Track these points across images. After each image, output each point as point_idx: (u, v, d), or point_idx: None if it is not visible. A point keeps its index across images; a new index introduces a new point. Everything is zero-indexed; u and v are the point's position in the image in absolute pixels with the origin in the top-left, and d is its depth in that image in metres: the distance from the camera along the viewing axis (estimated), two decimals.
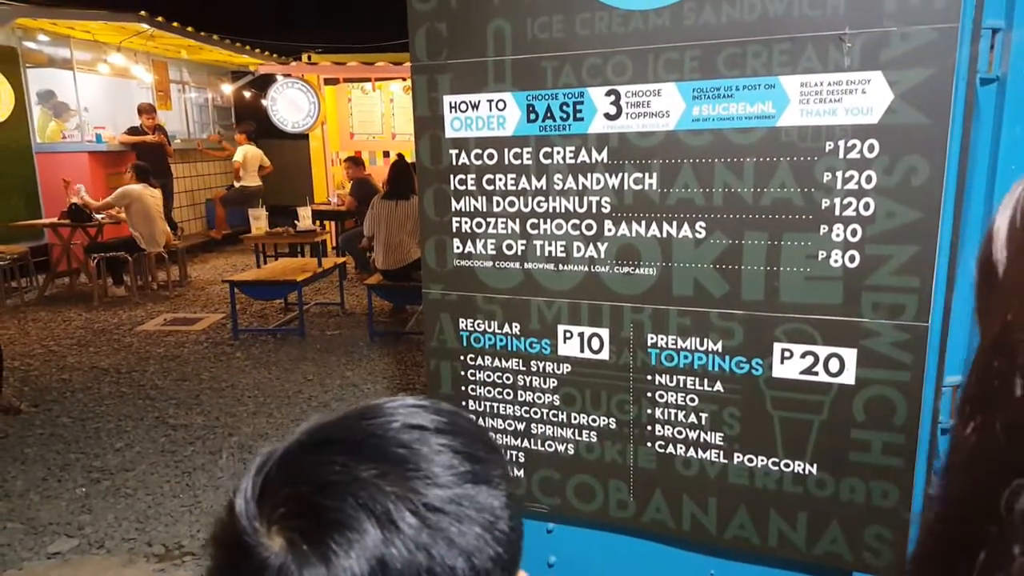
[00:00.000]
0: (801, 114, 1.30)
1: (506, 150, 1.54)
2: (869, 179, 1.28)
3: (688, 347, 1.48)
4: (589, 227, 1.51)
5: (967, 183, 1.30)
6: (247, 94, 11.09)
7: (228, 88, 11.22)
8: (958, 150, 1.25)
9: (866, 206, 1.30)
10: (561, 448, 1.64)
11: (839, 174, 1.30)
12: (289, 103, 8.18)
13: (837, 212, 1.32)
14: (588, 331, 1.55)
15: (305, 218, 6.31)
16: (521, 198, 1.55)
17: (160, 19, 7.82)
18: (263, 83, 9.17)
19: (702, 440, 1.50)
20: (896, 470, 1.36)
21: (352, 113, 8.77)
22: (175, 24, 8.13)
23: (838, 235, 1.32)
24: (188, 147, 9.76)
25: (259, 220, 6.22)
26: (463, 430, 0.51)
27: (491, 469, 0.50)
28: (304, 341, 5.23)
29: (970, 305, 1.37)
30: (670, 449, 1.54)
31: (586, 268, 1.52)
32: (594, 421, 1.59)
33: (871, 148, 1.27)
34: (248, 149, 8.78)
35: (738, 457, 1.48)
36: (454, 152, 1.59)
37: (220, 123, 11.30)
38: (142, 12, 7.54)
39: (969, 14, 1.21)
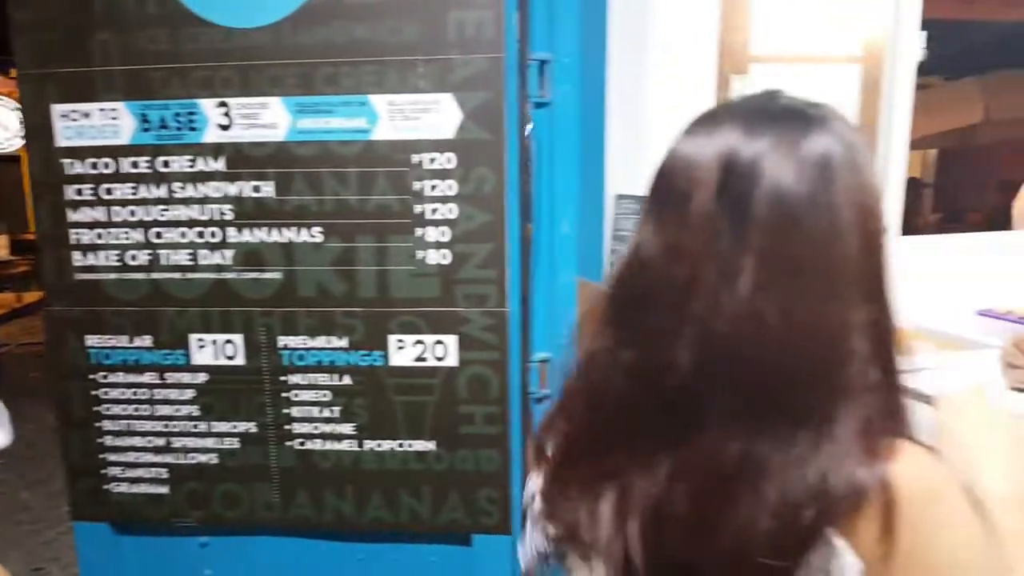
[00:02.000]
0: (391, 129, 1.46)
1: (122, 159, 1.52)
2: (451, 187, 1.47)
3: (317, 345, 1.57)
4: (213, 234, 1.54)
5: (536, 189, 1.55)
6: None
7: None
8: (517, 162, 1.49)
9: (451, 211, 1.48)
10: (204, 458, 1.64)
11: (427, 183, 1.48)
12: None
13: (429, 216, 1.49)
14: (221, 338, 1.58)
15: None
16: (142, 207, 1.54)
17: None
18: None
19: (337, 432, 1.60)
20: (496, 437, 1.56)
21: None
22: None
23: (432, 236, 1.50)
24: None
25: None
26: None
27: None
28: None
29: (546, 293, 1.61)
30: (308, 445, 1.61)
31: (214, 275, 1.55)
32: (235, 427, 1.62)
33: (449, 160, 1.46)
34: None
35: (368, 444, 1.60)
36: (67, 162, 1.53)
37: None
38: None
39: (514, 46, 1.44)
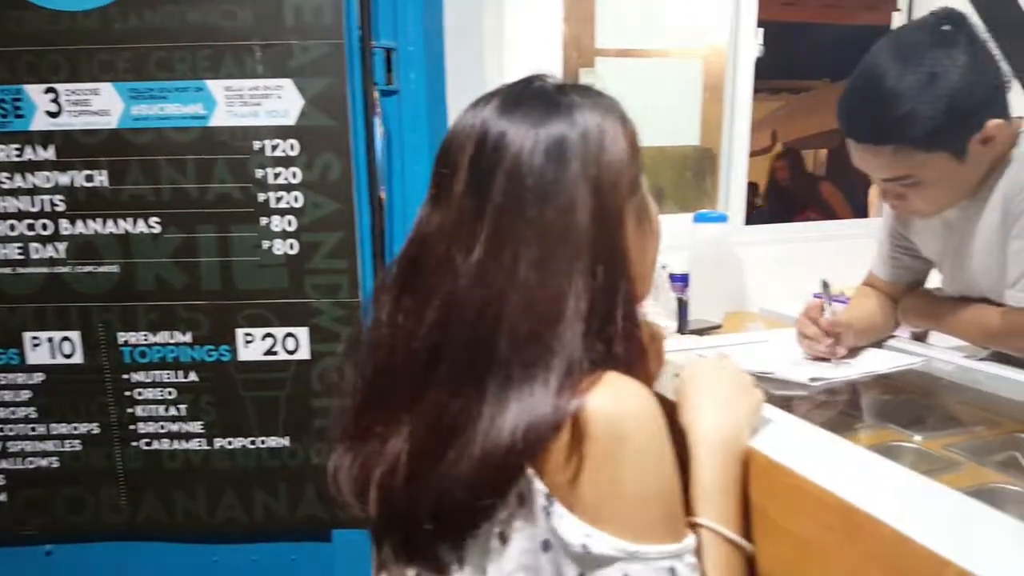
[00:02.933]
0: (229, 115, 1.43)
1: None
2: (295, 175, 1.45)
3: (160, 341, 1.52)
4: (45, 227, 1.47)
5: (388, 178, 1.54)
6: None
7: None
8: (364, 149, 1.48)
9: (296, 199, 1.46)
10: (44, 463, 1.56)
11: (269, 171, 1.45)
12: None
13: (273, 205, 1.46)
14: (57, 336, 1.51)
15: None
16: None
17: None
18: None
19: (184, 431, 1.55)
20: None
21: None
22: None
23: (278, 226, 1.47)
24: None
25: None
26: None
27: None
28: None
29: None
30: (155, 445, 1.55)
31: (47, 270, 1.48)
32: (76, 429, 1.55)
33: (292, 147, 1.44)
34: None
35: (219, 442, 1.55)
36: None
37: None
38: None
39: (355, 33, 1.43)
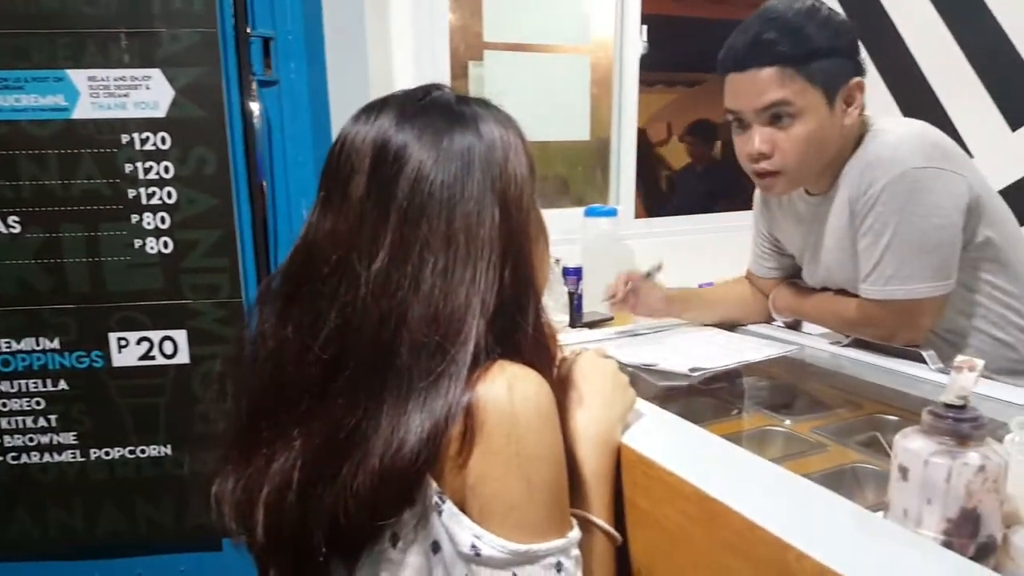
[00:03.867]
0: (94, 107, 1.34)
1: None
2: (167, 169, 1.38)
3: (24, 348, 1.42)
4: None
5: (271, 172, 1.49)
6: None
7: None
8: (242, 142, 1.42)
9: (169, 195, 1.39)
10: None
11: (139, 165, 1.37)
12: None
13: (145, 201, 1.39)
14: None
15: None
16: None
17: None
18: None
19: (56, 443, 1.45)
20: None
21: None
22: None
23: (149, 223, 1.39)
24: None
25: None
26: None
27: None
28: None
29: None
30: (24, 459, 1.45)
31: None
32: None
33: (164, 140, 1.37)
34: None
35: (95, 453, 1.47)
36: None
37: None
38: None
39: (229, 21, 1.37)
